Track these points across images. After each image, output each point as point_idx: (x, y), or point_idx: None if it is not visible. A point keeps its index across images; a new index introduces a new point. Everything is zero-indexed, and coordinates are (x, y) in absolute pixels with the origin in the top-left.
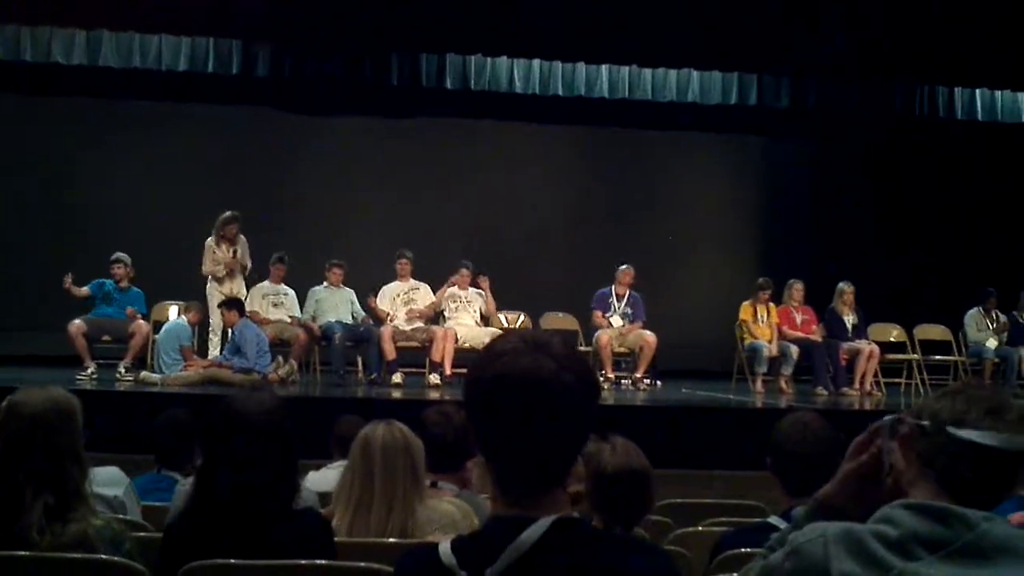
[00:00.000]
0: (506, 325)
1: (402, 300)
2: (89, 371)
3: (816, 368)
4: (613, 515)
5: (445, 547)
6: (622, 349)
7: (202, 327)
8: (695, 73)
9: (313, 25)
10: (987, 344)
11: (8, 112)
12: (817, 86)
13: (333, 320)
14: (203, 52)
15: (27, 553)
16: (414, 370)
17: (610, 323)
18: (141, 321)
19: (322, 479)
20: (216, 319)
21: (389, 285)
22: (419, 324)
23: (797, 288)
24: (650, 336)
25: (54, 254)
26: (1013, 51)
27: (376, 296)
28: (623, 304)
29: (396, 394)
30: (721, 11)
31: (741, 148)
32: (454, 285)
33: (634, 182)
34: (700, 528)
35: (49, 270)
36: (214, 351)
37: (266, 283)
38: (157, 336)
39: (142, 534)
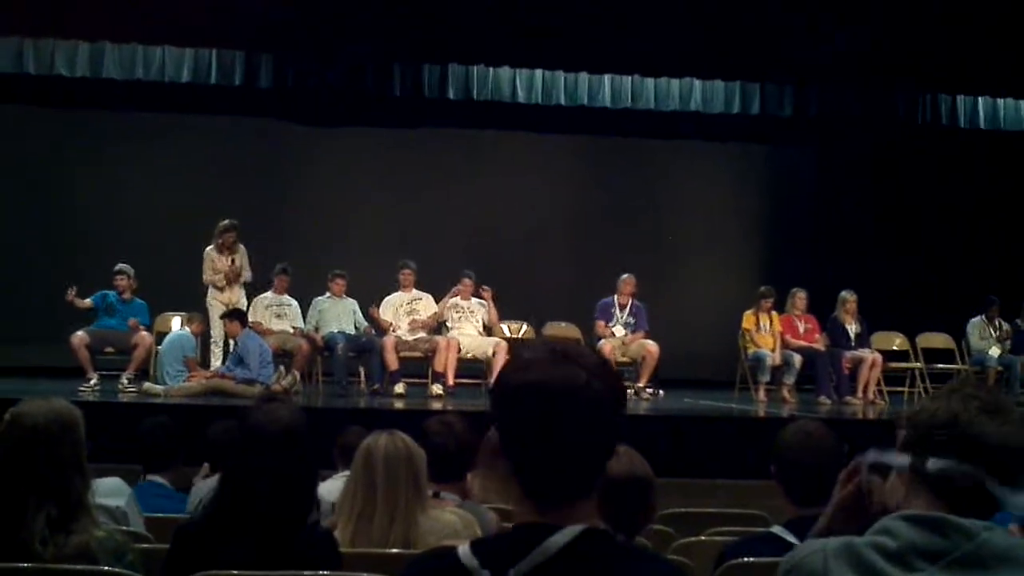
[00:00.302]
0: (508, 335)
1: (405, 310)
2: (92, 382)
3: (819, 377)
4: (616, 523)
5: (464, 548)
6: (625, 359)
7: (204, 338)
8: (697, 82)
9: (315, 36)
10: (990, 352)
11: (11, 124)
12: (819, 94)
13: (335, 330)
14: (206, 63)
15: (30, 564)
16: (416, 380)
17: (612, 333)
18: (144, 332)
19: (325, 491)
20: (217, 330)
21: (392, 295)
22: (422, 334)
23: (800, 297)
24: (652, 346)
25: (57, 265)
26: (1015, 59)
27: (379, 306)
28: (626, 314)
29: (398, 404)
30: (723, 20)
31: (744, 157)
32: (457, 295)
33: (637, 191)
34: (703, 537)
35: (52, 281)
36: (216, 362)
37: (269, 294)
38: (160, 347)
39: (145, 545)
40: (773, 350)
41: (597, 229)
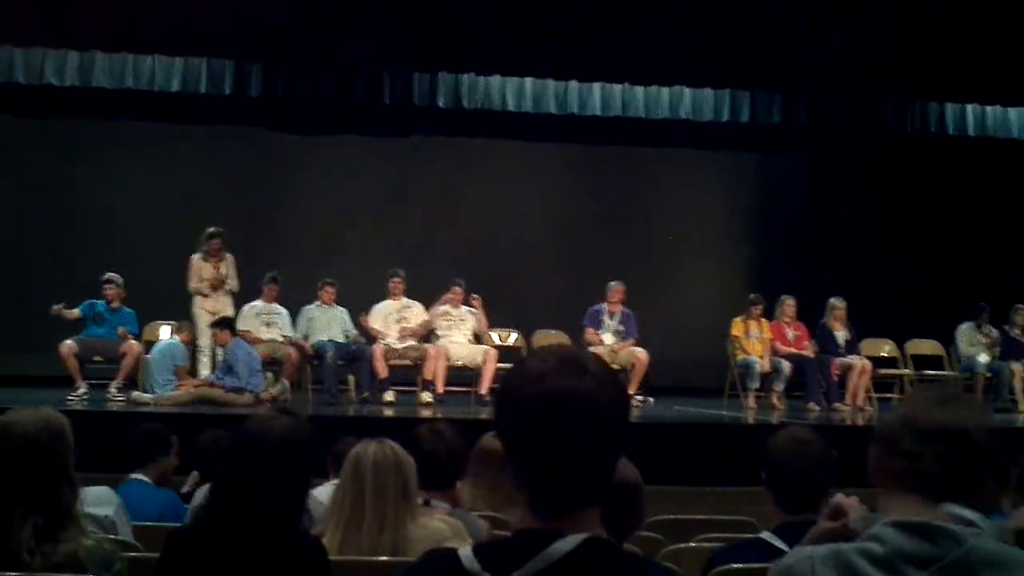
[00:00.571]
0: (498, 343)
1: (394, 318)
2: (80, 391)
3: (808, 384)
4: (608, 528)
5: (466, 551)
6: (614, 366)
7: (193, 347)
8: (687, 90)
9: (305, 45)
10: (979, 359)
11: (0, 133)
12: (809, 102)
13: (325, 339)
14: (195, 73)
15: (17, 574)
16: (406, 388)
17: (602, 340)
18: (132, 341)
19: (320, 496)
20: (205, 339)
21: (381, 304)
22: (411, 342)
23: (789, 304)
24: (642, 353)
25: (45, 274)
26: (1004, 66)
27: (368, 315)
28: (615, 321)
29: (388, 412)
30: (713, 28)
31: (734, 165)
32: (446, 303)
33: (627, 199)
34: (692, 544)
35: (40, 290)
36: (204, 371)
37: (258, 302)
38: (149, 356)
39: (133, 554)
40: (762, 357)
41: (587, 237)
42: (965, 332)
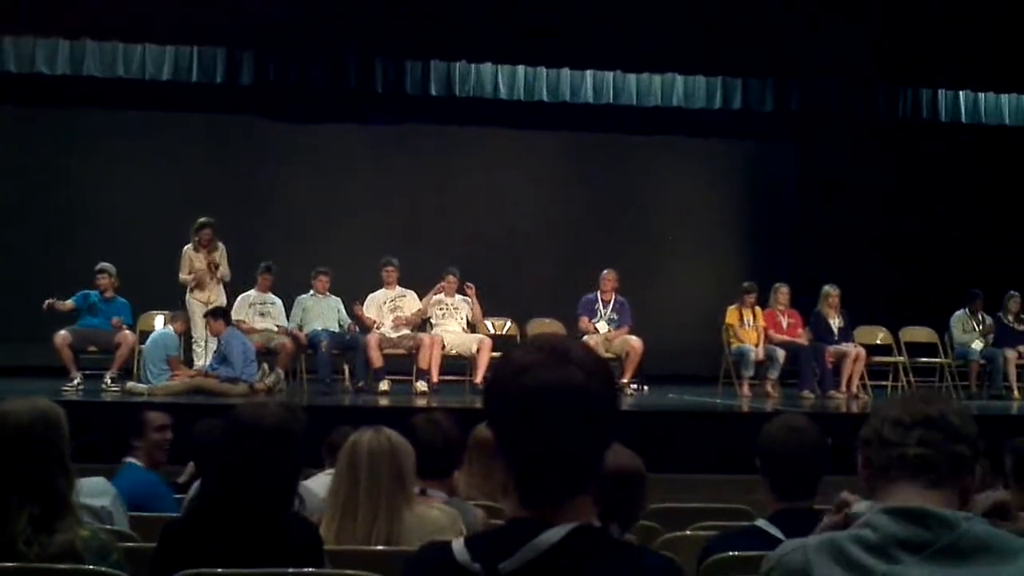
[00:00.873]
0: (492, 332)
1: (388, 308)
2: (75, 382)
3: (802, 371)
4: (610, 516)
5: (459, 543)
6: (608, 355)
7: (187, 337)
8: (679, 77)
9: (296, 32)
10: (973, 346)
11: None
12: (801, 89)
13: (319, 328)
14: (187, 61)
15: (14, 564)
16: (401, 378)
17: (596, 329)
18: (127, 331)
19: (314, 486)
20: (199, 331)
21: (375, 293)
22: (406, 331)
23: (783, 291)
24: (636, 341)
25: (38, 264)
26: (996, 53)
27: (362, 304)
28: (609, 310)
29: (383, 402)
30: (705, 15)
31: (726, 152)
32: (440, 292)
33: (619, 187)
34: (688, 532)
35: (33, 280)
36: (199, 361)
37: (252, 292)
38: (143, 346)
39: (130, 544)
40: (756, 345)
41: (580, 225)
42: (959, 319)
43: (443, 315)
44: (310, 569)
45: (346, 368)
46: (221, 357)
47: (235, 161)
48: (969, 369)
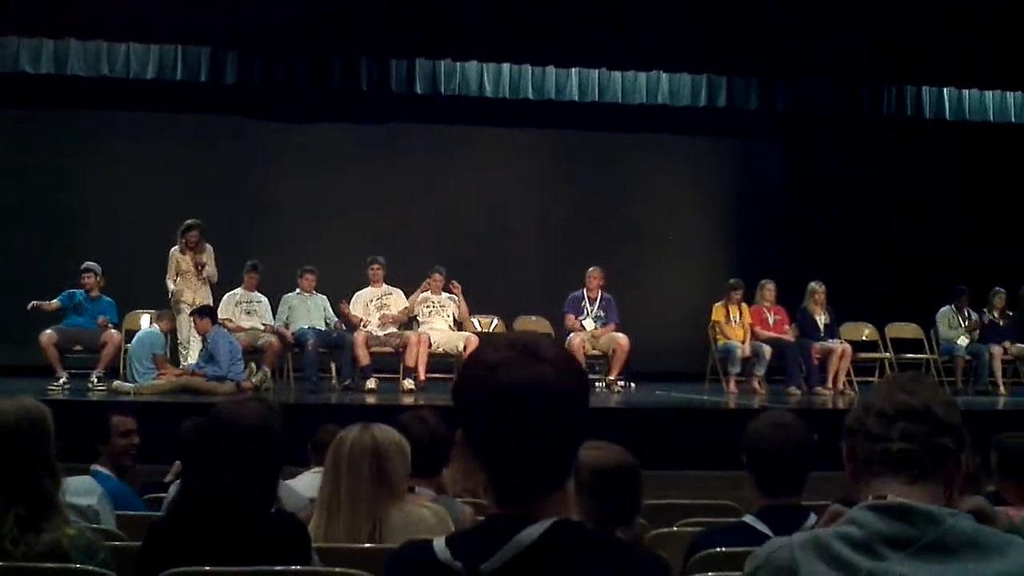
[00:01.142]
0: (479, 329)
1: (375, 306)
2: (61, 381)
3: (789, 368)
4: (608, 514)
5: (439, 542)
6: (595, 352)
7: (173, 336)
8: (664, 75)
9: (281, 32)
10: (959, 342)
11: None
12: (786, 87)
13: (306, 327)
14: (171, 60)
15: (0, 564)
16: (388, 376)
17: (583, 326)
18: (113, 330)
19: (299, 486)
20: (185, 330)
21: (362, 291)
22: (392, 329)
23: (769, 288)
24: (623, 338)
25: (23, 264)
26: (980, 50)
27: (349, 302)
28: (595, 307)
29: (370, 400)
30: (690, 14)
31: (711, 150)
32: (427, 290)
33: (605, 185)
34: (675, 528)
35: (17, 279)
36: (185, 361)
37: (239, 291)
38: (129, 345)
39: (116, 543)
40: (743, 341)
41: (566, 223)
42: (945, 315)
43: (430, 313)
44: (295, 567)
45: (333, 366)
46: (207, 356)
47: (221, 160)
48: (955, 365)
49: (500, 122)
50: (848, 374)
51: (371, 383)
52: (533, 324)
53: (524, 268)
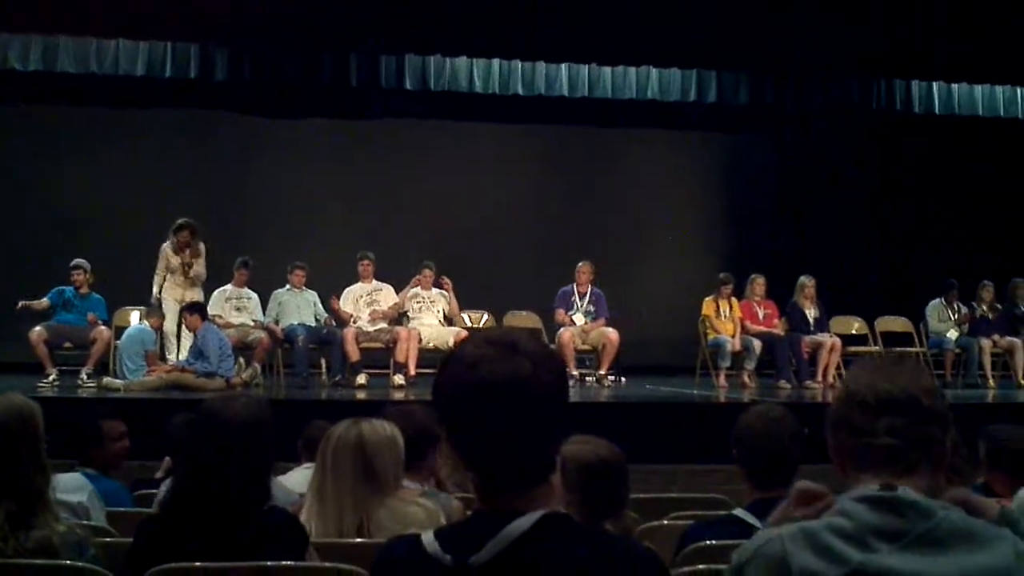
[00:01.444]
0: (470, 325)
1: (365, 301)
2: (51, 378)
3: (779, 362)
4: (595, 508)
5: (428, 535)
6: (585, 346)
7: (162, 332)
8: (654, 71)
9: (271, 28)
10: (948, 335)
11: None
12: (775, 82)
13: (296, 323)
14: (161, 57)
15: None
16: (378, 371)
17: (572, 321)
18: (102, 327)
19: (289, 482)
20: (170, 325)
21: (352, 287)
22: (382, 325)
23: (759, 283)
24: (613, 333)
25: (11, 261)
26: (969, 44)
27: (339, 298)
28: (585, 302)
29: (360, 395)
30: (679, 9)
31: (701, 145)
32: (417, 285)
33: (595, 180)
34: (665, 522)
35: (6, 276)
36: (171, 356)
37: (229, 287)
38: (119, 342)
39: (107, 540)
40: (733, 336)
41: (556, 218)
42: (934, 309)
43: (420, 308)
44: (287, 562)
45: (323, 362)
46: (197, 352)
47: (211, 157)
48: (944, 358)
49: (490, 118)
50: (838, 368)
51: (361, 379)
52: (523, 319)
53: (514, 263)
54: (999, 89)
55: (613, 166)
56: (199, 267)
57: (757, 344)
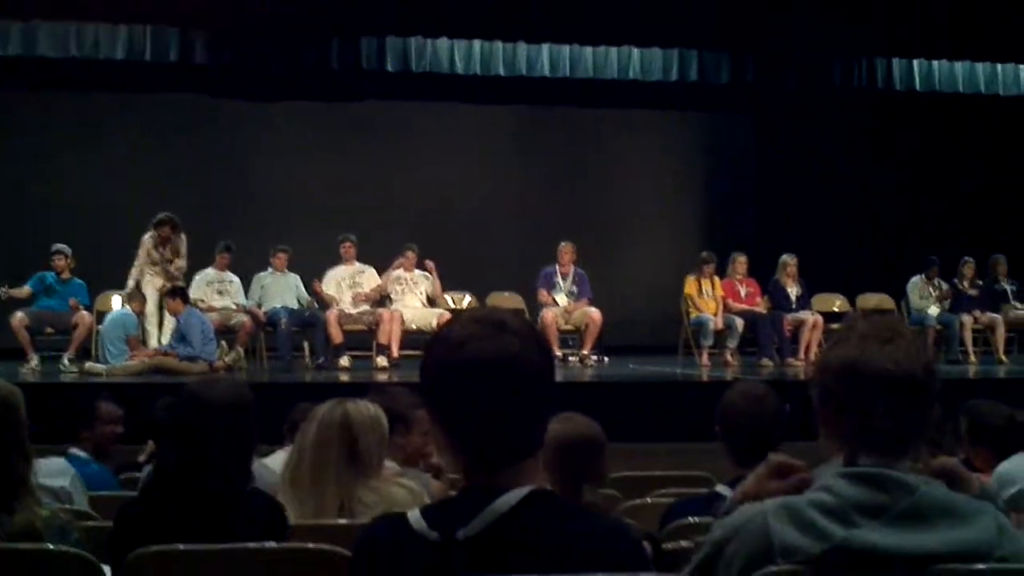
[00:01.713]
0: (452, 306)
1: (348, 284)
2: (33, 363)
3: (761, 340)
4: (571, 484)
5: (414, 513)
6: (568, 327)
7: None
8: (636, 50)
9: (251, 10)
10: (929, 312)
11: None
12: (756, 61)
13: (279, 306)
14: (141, 40)
15: None
16: (361, 353)
17: (555, 301)
18: (84, 312)
19: (275, 464)
20: (151, 315)
21: (334, 269)
22: (365, 307)
23: (740, 261)
24: (596, 313)
25: None
26: (948, 21)
27: (321, 280)
28: (568, 282)
29: (344, 378)
30: None
31: (683, 124)
32: (400, 267)
33: (577, 160)
34: (649, 500)
35: None
36: (152, 341)
37: (211, 270)
38: (101, 327)
39: (89, 523)
40: (715, 314)
41: (539, 198)
42: (915, 285)
43: (403, 291)
44: (268, 543)
45: (306, 345)
46: (180, 336)
47: (191, 140)
48: (925, 335)
49: (472, 98)
50: (820, 345)
51: (345, 361)
52: (506, 300)
53: (497, 244)
54: (980, 66)
55: (595, 146)
56: (180, 262)
57: (739, 322)
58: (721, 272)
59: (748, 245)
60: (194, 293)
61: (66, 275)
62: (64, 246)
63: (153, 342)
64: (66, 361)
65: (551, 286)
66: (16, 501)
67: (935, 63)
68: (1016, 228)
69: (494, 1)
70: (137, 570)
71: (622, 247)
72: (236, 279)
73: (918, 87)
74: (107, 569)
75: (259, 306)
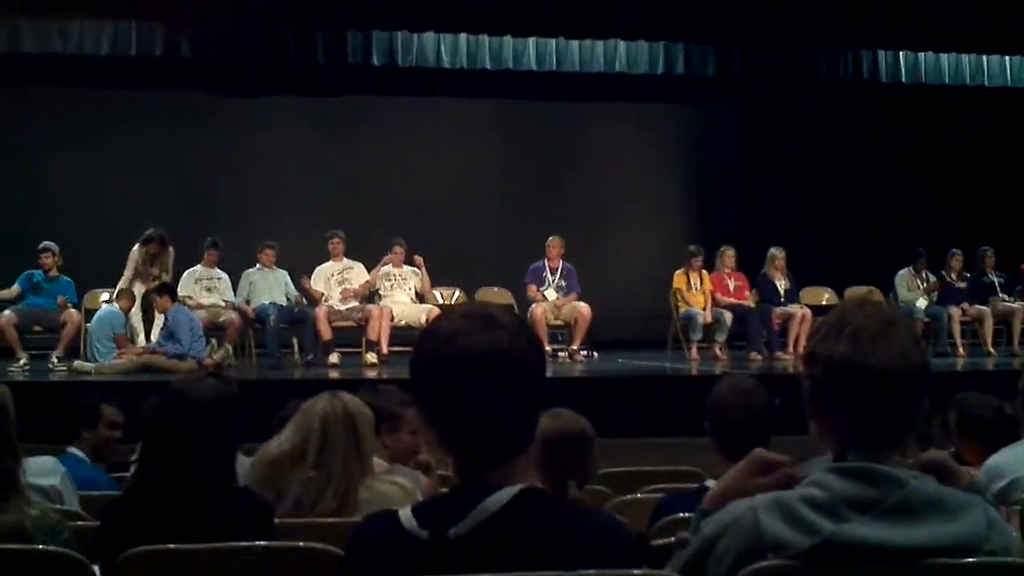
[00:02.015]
0: (441, 301)
1: (336, 280)
2: (21, 362)
3: (750, 333)
4: (559, 479)
5: (405, 511)
6: (557, 322)
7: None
8: (622, 43)
9: (236, 5)
10: (917, 304)
11: None
12: (742, 53)
13: (267, 302)
14: (126, 36)
15: None
16: (350, 350)
17: (544, 296)
18: (72, 310)
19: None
20: (136, 316)
21: (322, 265)
22: (354, 303)
23: (728, 255)
24: (584, 308)
25: None
26: (935, 12)
27: (310, 277)
28: (557, 277)
29: (333, 374)
30: None
31: (670, 117)
32: (388, 263)
33: (564, 154)
34: (639, 495)
35: None
36: (138, 339)
37: (199, 267)
38: (89, 324)
39: (79, 523)
40: (704, 308)
41: (527, 193)
42: (903, 278)
43: (391, 286)
44: (257, 542)
45: (295, 342)
46: (168, 334)
47: (177, 136)
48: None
49: (458, 93)
50: (808, 339)
51: (334, 358)
52: (495, 295)
53: (485, 239)
54: (966, 58)
55: (582, 140)
56: (167, 278)
57: (728, 316)
58: (709, 266)
59: (736, 238)
60: (182, 290)
61: (54, 273)
62: (51, 244)
63: (141, 340)
64: (54, 360)
65: (540, 281)
66: (5, 500)
67: (921, 55)
68: (1004, 220)
69: None
70: (128, 570)
71: (610, 241)
72: (224, 276)
73: (904, 79)
74: (97, 569)
75: (247, 303)
